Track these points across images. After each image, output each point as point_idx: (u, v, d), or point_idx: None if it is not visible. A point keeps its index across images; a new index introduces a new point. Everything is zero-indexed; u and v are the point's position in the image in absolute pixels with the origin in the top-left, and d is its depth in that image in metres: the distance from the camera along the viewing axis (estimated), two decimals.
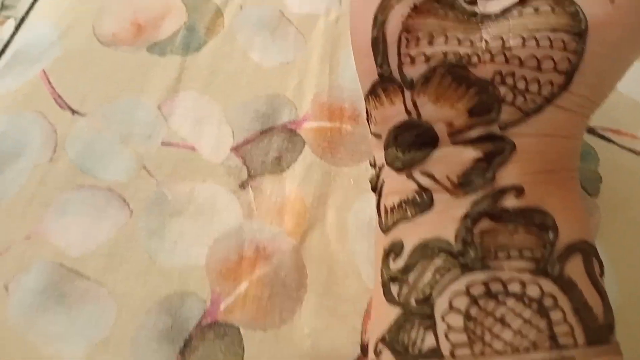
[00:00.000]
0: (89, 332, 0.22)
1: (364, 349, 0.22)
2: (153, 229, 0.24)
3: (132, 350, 0.22)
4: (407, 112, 0.19)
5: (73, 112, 0.27)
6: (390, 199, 0.20)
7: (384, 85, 0.20)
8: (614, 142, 0.26)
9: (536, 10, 0.18)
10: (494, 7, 0.19)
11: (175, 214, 0.24)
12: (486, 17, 0.19)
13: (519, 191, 0.18)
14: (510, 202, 0.18)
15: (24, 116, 0.27)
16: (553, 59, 0.18)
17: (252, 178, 0.25)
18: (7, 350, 0.22)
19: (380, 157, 0.21)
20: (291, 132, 0.27)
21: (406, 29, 0.19)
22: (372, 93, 0.20)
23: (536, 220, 0.17)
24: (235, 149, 0.26)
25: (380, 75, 0.19)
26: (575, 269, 0.18)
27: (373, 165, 0.22)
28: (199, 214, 0.24)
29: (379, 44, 0.19)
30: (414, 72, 0.19)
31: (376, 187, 0.21)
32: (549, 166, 0.18)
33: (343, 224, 0.24)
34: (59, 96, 0.28)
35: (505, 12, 0.19)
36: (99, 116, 0.27)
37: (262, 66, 0.29)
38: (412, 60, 0.19)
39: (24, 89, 0.28)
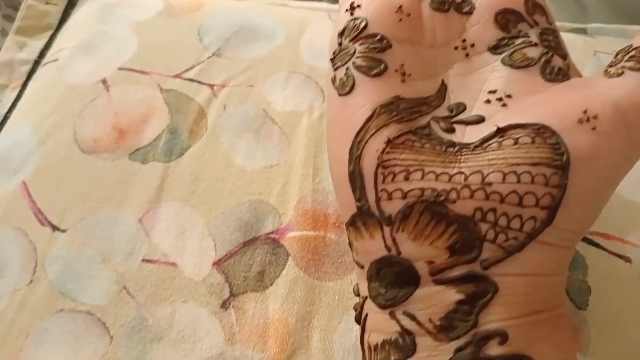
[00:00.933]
0: None
1: None
2: (133, 358, 0.24)
3: None
4: (387, 248, 0.19)
5: (53, 228, 0.27)
6: (373, 337, 0.20)
7: (363, 219, 0.20)
8: (602, 248, 0.26)
9: (516, 141, 0.18)
10: (472, 137, 0.19)
11: (156, 340, 0.24)
12: (465, 147, 0.19)
13: (503, 337, 0.17)
14: (494, 349, 0.17)
15: (3, 234, 0.27)
16: (535, 195, 0.17)
17: (234, 297, 0.25)
18: None
19: (363, 287, 0.20)
20: (275, 243, 0.27)
21: (382, 164, 0.19)
22: (352, 225, 0.20)
23: None
24: (217, 264, 0.26)
25: (359, 208, 0.19)
26: None
27: (357, 294, 0.22)
28: (180, 341, 0.24)
29: (356, 179, 0.19)
30: (392, 208, 0.19)
31: (359, 319, 0.21)
32: (534, 308, 0.18)
33: (329, 348, 0.24)
34: (40, 211, 0.28)
35: (484, 142, 0.19)
36: (80, 232, 0.27)
37: (245, 170, 0.29)
38: (389, 196, 0.19)
39: (3, 202, 0.28)
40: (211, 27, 0.36)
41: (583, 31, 0.40)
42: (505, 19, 0.22)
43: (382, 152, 0.19)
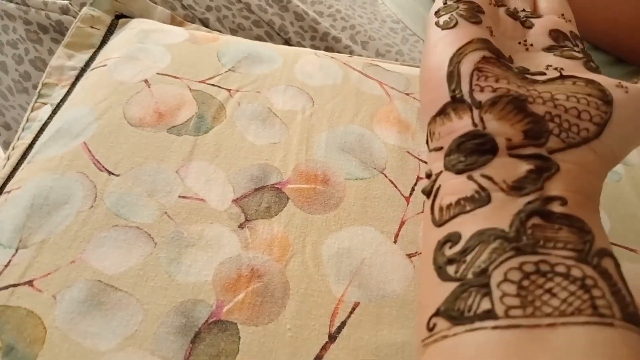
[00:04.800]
0: (121, 330, 0.31)
1: (330, 337, 0.31)
2: (172, 257, 0.34)
3: (154, 341, 0.30)
4: (474, 124, 0.25)
5: (109, 173, 0.38)
6: (446, 199, 0.25)
7: (454, 105, 0.26)
8: None
9: (574, 83, 0.26)
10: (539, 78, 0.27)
11: (189, 245, 0.35)
12: (535, 81, 0.27)
13: (563, 201, 0.23)
14: (556, 208, 0.23)
15: (69, 175, 0.38)
16: (589, 113, 0.25)
17: (249, 221, 0.36)
18: (54, 344, 0.30)
19: (437, 167, 0.26)
20: (278, 190, 0.38)
21: (477, 69, 0.26)
22: (442, 113, 0.26)
23: (577, 225, 0.22)
24: (236, 201, 0.37)
25: (453, 97, 0.26)
26: (609, 266, 0.22)
27: (429, 176, 0.27)
28: (208, 247, 0.35)
29: (454, 76, 0.26)
30: (483, 97, 0.25)
31: (430, 192, 0.26)
32: (583, 190, 0.24)
33: (318, 254, 0.35)
34: (98, 161, 0.39)
35: (550, 80, 0.26)
36: (130, 177, 0.38)
37: (255, 145, 0.41)
38: (482, 89, 0.25)
39: (67, 155, 0.39)
40: (226, 52, 0.49)
41: None
42: (556, 34, 0.31)
43: (478, 62, 0.26)
